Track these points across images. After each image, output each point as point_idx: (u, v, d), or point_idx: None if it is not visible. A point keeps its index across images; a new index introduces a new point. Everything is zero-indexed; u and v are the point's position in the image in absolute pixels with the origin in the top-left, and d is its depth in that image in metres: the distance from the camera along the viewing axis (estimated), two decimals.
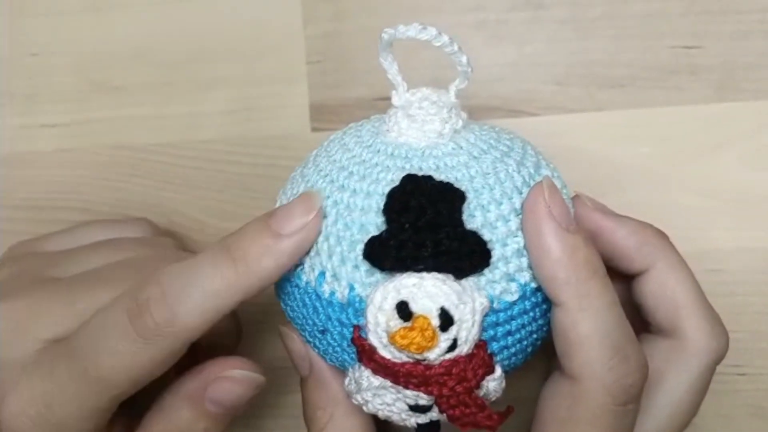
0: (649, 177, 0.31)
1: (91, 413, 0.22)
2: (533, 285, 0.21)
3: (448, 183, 0.21)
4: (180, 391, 0.24)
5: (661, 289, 0.23)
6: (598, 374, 0.20)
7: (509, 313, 0.21)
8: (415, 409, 0.21)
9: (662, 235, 0.24)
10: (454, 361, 0.20)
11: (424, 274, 0.20)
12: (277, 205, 0.24)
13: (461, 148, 0.22)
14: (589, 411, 0.21)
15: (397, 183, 0.21)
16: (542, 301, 0.22)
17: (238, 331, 0.29)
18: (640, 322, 0.24)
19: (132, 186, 0.33)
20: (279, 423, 0.33)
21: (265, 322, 0.32)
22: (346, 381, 0.22)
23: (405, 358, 0.20)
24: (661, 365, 0.23)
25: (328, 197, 0.22)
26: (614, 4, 0.31)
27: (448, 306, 0.20)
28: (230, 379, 0.24)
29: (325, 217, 0.21)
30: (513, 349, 0.22)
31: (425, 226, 0.20)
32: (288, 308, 0.23)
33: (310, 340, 0.23)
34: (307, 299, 0.22)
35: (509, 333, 0.21)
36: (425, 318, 0.20)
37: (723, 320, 0.31)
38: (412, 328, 0.20)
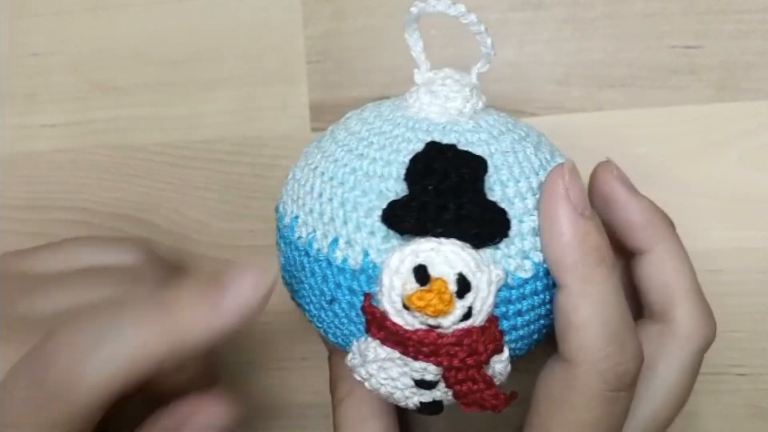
0: (648, 177, 0.31)
1: None
2: (546, 266, 0.21)
3: (471, 152, 0.21)
4: None
5: (657, 273, 0.23)
6: (593, 360, 0.21)
7: (521, 291, 0.21)
8: (421, 384, 0.21)
9: (669, 223, 0.24)
10: (467, 331, 0.20)
11: (443, 240, 0.20)
12: (288, 182, 0.24)
13: (481, 126, 0.22)
14: (581, 395, 0.21)
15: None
16: (552, 285, 0.22)
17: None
18: (636, 306, 0.25)
19: (132, 186, 0.33)
20: (278, 423, 0.33)
21: (267, 322, 0.32)
22: (349, 356, 0.22)
23: (417, 325, 0.20)
24: (652, 350, 0.23)
25: (346, 165, 0.22)
26: (614, 4, 0.31)
27: (465, 272, 0.20)
28: (208, 416, 0.22)
29: (341, 184, 0.21)
30: (521, 332, 0.22)
31: (448, 189, 0.20)
32: (294, 281, 0.23)
33: (316, 313, 0.23)
34: (317, 267, 0.22)
35: (519, 313, 0.21)
36: (443, 281, 0.20)
37: (723, 320, 0.31)
38: (429, 290, 0.20)
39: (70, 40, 0.33)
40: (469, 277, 0.20)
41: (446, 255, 0.20)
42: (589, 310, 0.20)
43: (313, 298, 0.22)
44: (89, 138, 0.33)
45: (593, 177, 0.24)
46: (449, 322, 0.20)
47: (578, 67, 0.31)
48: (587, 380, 0.21)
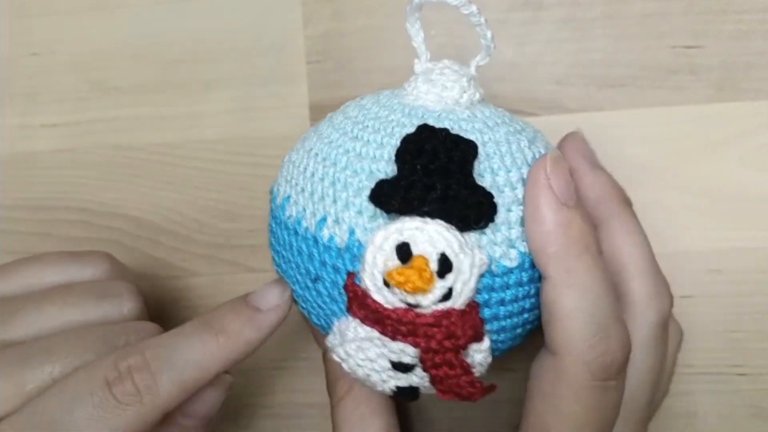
0: (648, 177, 0.31)
1: None
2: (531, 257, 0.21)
3: (462, 136, 0.21)
4: None
5: (609, 248, 0.23)
6: (579, 350, 0.21)
7: (505, 279, 0.21)
8: (398, 367, 0.21)
9: (624, 200, 0.24)
10: (446, 313, 0.20)
11: (428, 220, 0.20)
12: (284, 165, 0.24)
13: (476, 117, 0.22)
14: (570, 387, 0.21)
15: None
16: (538, 278, 0.22)
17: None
18: None
19: (132, 186, 0.33)
20: (277, 423, 0.33)
21: None
22: (330, 336, 0.22)
23: (397, 303, 0.20)
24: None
25: (339, 146, 0.22)
26: (614, 4, 0.31)
27: (448, 253, 0.20)
28: (206, 386, 0.23)
29: (333, 164, 0.22)
30: (504, 323, 0.22)
31: (437, 170, 0.20)
32: (282, 260, 0.23)
33: (301, 293, 0.23)
34: (304, 246, 0.22)
35: (502, 302, 0.21)
36: (424, 259, 0.20)
37: (723, 320, 0.31)
38: (410, 267, 0.20)
39: (70, 40, 0.33)
40: (452, 257, 0.20)
41: (430, 234, 0.20)
42: (573, 300, 0.20)
43: (299, 277, 0.23)
44: (89, 138, 0.33)
45: (559, 147, 0.24)
46: (428, 302, 0.20)
47: (578, 67, 0.31)
48: (574, 371, 0.21)
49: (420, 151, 0.20)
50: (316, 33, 0.32)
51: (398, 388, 0.22)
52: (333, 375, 0.26)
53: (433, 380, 0.21)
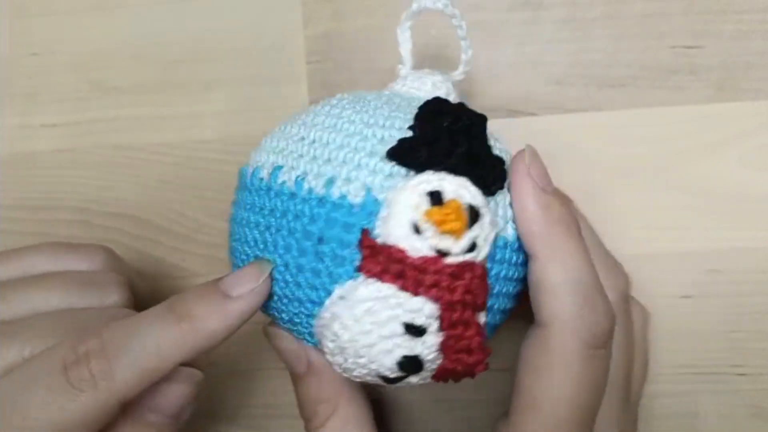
0: (648, 177, 0.31)
1: None
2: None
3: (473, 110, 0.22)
4: None
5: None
6: (568, 320, 0.22)
7: (503, 253, 0.22)
8: (410, 329, 0.20)
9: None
10: (469, 265, 0.21)
11: (450, 175, 0.21)
12: (265, 143, 0.24)
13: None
14: (560, 356, 0.22)
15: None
16: (521, 263, 0.23)
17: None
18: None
19: (132, 186, 0.33)
20: (275, 423, 0.33)
21: (259, 322, 0.32)
22: (327, 306, 0.21)
23: (424, 251, 0.20)
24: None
25: (343, 117, 0.22)
26: (614, 4, 0.31)
27: (475, 204, 0.21)
28: (165, 378, 0.22)
29: (339, 130, 0.22)
30: (496, 301, 0.22)
31: (460, 130, 0.21)
32: (265, 234, 0.22)
33: (291, 266, 0.22)
34: (306, 208, 0.21)
35: (497, 277, 0.22)
36: (458, 202, 0.20)
37: (723, 320, 0.31)
38: (448, 207, 0.20)
39: (70, 40, 0.33)
40: (479, 208, 0.21)
41: (457, 186, 0.21)
42: (559, 274, 0.22)
43: (293, 244, 0.22)
44: (89, 138, 0.33)
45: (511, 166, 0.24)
46: (458, 248, 0.20)
47: (578, 67, 0.31)
48: (563, 340, 0.22)
49: (441, 112, 0.21)
50: (316, 33, 0.32)
51: (403, 358, 0.21)
52: (312, 400, 0.24)
53: (444, 345, 0.21)
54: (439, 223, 0.20)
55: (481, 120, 0.22)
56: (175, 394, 0.23)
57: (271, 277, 0.22)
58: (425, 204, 0.20)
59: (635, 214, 0.31)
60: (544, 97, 0.31)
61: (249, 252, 0.23)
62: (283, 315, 0.23)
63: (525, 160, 0.22)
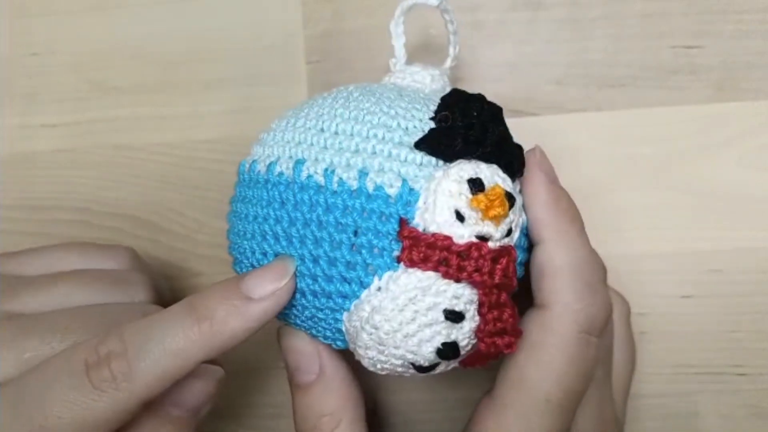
0: (649, 177, 0.31)
1: None
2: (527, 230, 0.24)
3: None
4: None
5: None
6: (567, 301, 0.23)
7: (522, 241, 0.23)
8: (451, 316, 0.21)
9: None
10: (507, 249, 0.21)
11: (483, 163, 0.21)
12: (272, 136, 0.24)
13: None
14: (556, 335, 0.22)
15: (434, 104, 0.23)
16: (527, 247, 0.24)
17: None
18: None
19: (132, 186, 0.33)
20: (279, 423, 0.33)
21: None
22: (363, 299, 0.21)
23: (467, 237, 0.21)
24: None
25: (362, 108, 0.22)
26: (614, 4, 0.31)
27: (510, 190, 0.21)
28: (188, 375, 0.22)
29: (362, 122, 0.22)
30: None
31: (488, 118, 0.22)
32: (290, 231, 0.22)
33: (323, 260, 0.21)
34: (338, 200, 0.21)
35: (518, 262, 0.23)
36: (500, 187, 0.21)
37: (723, 320, 0.31)
38: (493, 193, 0.21)
39: (70, 40, 0.33)
40: (514, 194, 0.21)
41: (492, 173, 0.21)
42: (563, 257, 0.23)
43: (324, 237, 0.21)
44: (89, 138, 0.33)
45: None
46: (499, 233, 0.21)
47: (578, 67, 0.31)
48: (561, 320, 0.22)
49: (468, 99, 0.22)
50: (316, 33, 0.32)
51: (443, 344, 0.21)
52: (316, 411, 0.24)
53: (481, 329, 0.21)
54: (485, 210, 0.20)
55: (499, 110, 0.23)
56: (197, 390, 0.23)
57: (296, 275, 0.22)
58: (466, 191, 0.21)
59: (635, 214, 0.31)
60: (544, 97, 0.31)
61: (268, 249, 0.22)
62: (306, 312, 0.23)
63: (536, 155, 0.24)
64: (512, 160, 0.22)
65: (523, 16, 0.31)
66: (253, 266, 0.23)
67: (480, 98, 0.22)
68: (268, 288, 0.21)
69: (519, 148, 0.23)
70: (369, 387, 0.32)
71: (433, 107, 0.22)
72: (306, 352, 0.24)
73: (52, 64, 0.33)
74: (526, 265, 0.24)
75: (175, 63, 0.33)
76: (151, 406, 0.22)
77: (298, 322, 0.23)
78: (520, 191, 0.23)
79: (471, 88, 0.30)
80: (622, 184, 0.31)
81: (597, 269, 0.24)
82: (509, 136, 0.23)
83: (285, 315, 0.23)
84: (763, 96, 0.30)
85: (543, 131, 0.31)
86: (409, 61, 0.25)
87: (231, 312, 0.21)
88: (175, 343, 0.21)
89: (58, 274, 0.25)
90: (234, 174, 0.25)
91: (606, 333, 0.25)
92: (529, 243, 0.24)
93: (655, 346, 0.30)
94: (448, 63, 0.26)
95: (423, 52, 0.31)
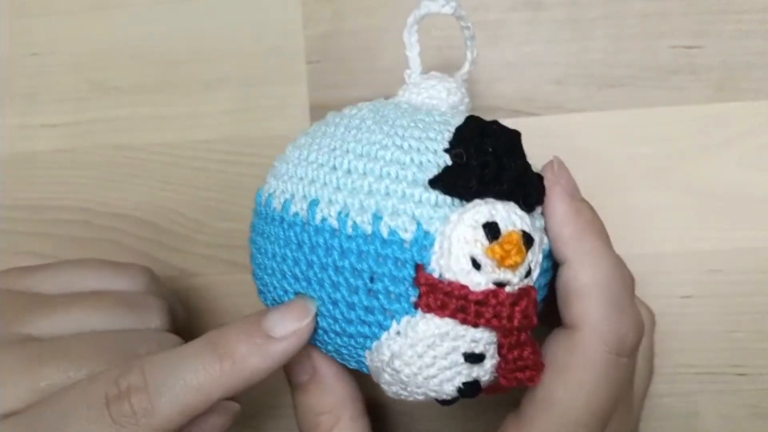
0: (648, 177, 0.31)
1: None
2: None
3: (504, 125, 0.22)
4: None
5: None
6: (594, 322, 0.22)
7: (544, 264, 0.22)
8: (470, 358, 0.20)
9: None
10: (526, 291, 0.21)
11: (499, 202, 0.20)
12: (282, 173, 0.23)
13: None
14: (584, 357, 0.22)
15: (449, 131, 0.22)
16: (554, 267, 0.23)
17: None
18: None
19: (132, 186, 0.33)
20: (279, 423, 0.33)
21: None
22: (383, 342, 0.21)
23: (484, 285, 0.20)
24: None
25: (375, 143, 0.21)
26: (614, 4, 0.31)
27: (527, 230, 0.20)
28: (207, 411, 0.22)
29: (375, 159, 0.21)
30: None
31: (504, 152, 0.21)
32: (308, 274, 0.21)
33: (342, 304, 0.21)
34: (353, 245, 0.21)
35: (540, 286, 0.22)
36: (517, 233, 0.20)
37: (723, 320, 0.31)
38: (508, 242, 0.20)
39: (70, 40, 0.33)
40: (532, 233, 0.21)
41: (509, 213, 0.20)
42: (588, 276, 0.22)
43: (341, 284, 0.21)
44: (89, 138, 0.33)
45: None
46: (518, 278, 0.20)
47: (578, 67, 0.31)
48: (589, 341, 0.22)
49: (484, 134, 0.21)
50: (316, 33, 0.32)
51: (464, 384, 0.21)
52: (315, 410, 0.24)
53: (502, 367, 0.21)
54: (501, 260, 0.20)
55: (517, 136, 0.22)
56: (212, 425, 0.23)
57: (317, 314, 0.22)
58: (482, 237, 0.20)
59: (635, 214, 0.31)
60: (544, 97, 0.31)
61: (289, 288, 0.22)
62: (329, 347, 0.23)
63: (554, 169, 0.23)
64: (530, 194, 0.21)
65: (523, 16, 0.31)
66: (275, 300, 0.23)
67: (495, 130, 0.21)
68: (289, 328, 0.21)
69: (538, 178, 0.22)
70: (370, 383, 0.32)
71: (449, 134, 0.21)
72: (296, 356, 0.24)
73: (52, 64, 0.33)
74: (553, 284, 0.23)
75: (175, 63, 0.33)
76: None
77: (324, 351, 0.23)
78: (542, 213, 0.22)
79: (471, 88, 0.30)
80: (622, 184, 0.31)
81: (626, 284, 0.23)
82: (527, 168, 0.22)
83: (312, 343, 0.23)
84: (763, 96, 0.30)
85: (543, 131, 0.31)
86: (424, 70, 0.24)
87: (252, 350, 0.21)
88: (196, 379, 0.21)
89: (73, 296, 0.25)
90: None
91: (637, 352, 0.24)
92: (554, 261, 0.23)
93: (656, 346, 0.30)
94: (466, 68, 0.25)
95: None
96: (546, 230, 0.22)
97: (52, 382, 0.22)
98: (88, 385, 0.21)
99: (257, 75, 0.32)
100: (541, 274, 0.22)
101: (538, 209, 0.22)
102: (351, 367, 0.23)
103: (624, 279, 0.23)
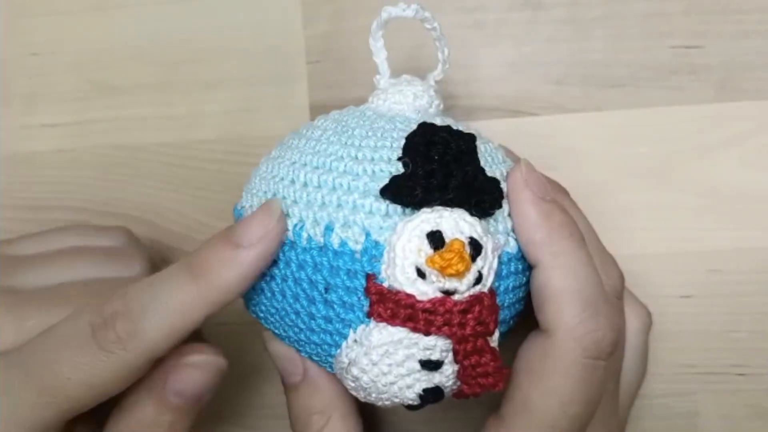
0: (648, 177, 0.31)
1: (43, 426, 0.21)
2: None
3: (461, 130, 0.22)
4: (140, 386, 0.23)
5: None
6: (569, 325, 0.21)
7: (509, 267, 0.22)
8: (427, 365, 0.21)
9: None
10: (478, 297, 0.21)
11: (447, 210, 0.20)
12: (253, 185, 0.24)
13: (450, 122, 0.23)
14: (559, 362, 0.22)
15: (403, 139, 0.21)
16: (525, 269, 0.23)
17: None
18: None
19: (132, 186, 0.33)
20: (277, 423, 0.33)
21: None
22: (343, 350, 0.21)
23: (431, 294, 0.20)
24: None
25: (331, 154, 0.22)
26: (614, 4, 0.31)
27: (476, 236, 0.20)
28: (190, 365, 0.23)
29: (329, 170, 0.22)
30: (504, 313, 0.22)
31: (452, 159, 0.21)
32: (272, 283, 0.22)
33: (302, 314, 0.22)
34: (308, 257, 0.21)
35: (507, 290, 0.22)
36: (460, 241, 0.20)
37: (723, 320, 0.31)
38: (450, 251, 0.20)
39: (70, 40, 0.33)
40: (481, 240, 0.20)
41: (456, 221, 0.20)
42: (561, 279, 0.22)
43: (300, 295, 0.22)
44: (89, 138, 0.33)
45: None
46: (465, 286, 0.20)
47: (577, 67, 0.31)
48: (565, 346, 0.21)
49: (431, 143, 0.21)
50: (316, 33, 0.32)
51: (424, 391, 0.21)
52: (306, 410, 0.24)
53: (461, 373, 0.21)
54: (444, 269, 0.20)
55: (470, 141, 0.22)
56: (198, 380, 0.23)
57: (283, 216, 0.22)
58: (426, 247, 0.20)
59: (635, 214, 0.31)
60: (544, 97, 0.31)
61: (266, 302, 0.23)
62: (303, 354, 0.24)
63: (521, 171, 0.22)
64: (482, 199, 0.21)
65: (523, 16, 0.31)
66: (254, 311, 0.24)
67: (444, 138, 0.21)
68: (257, 234, 0.21)
69: (494, 182, 0.22)
70: None
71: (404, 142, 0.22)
72: (288, 356, 0.24)
73: (52, 64, 0.33)
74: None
75: (175, 63, 0.33)
76: (154, 394, 0.22)
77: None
78: (509, 214, 0.22)
79: (471, 89, 0.30)
80: (622, 184, 0.31)
81: (601, 286, 0.22)
82: (479, 173, 0.21)
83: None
84: (763, 96, 0.30)
85: (543, 131, 0.31)
86: (397, 73, 0.24)
87: (225, 263, 0.21)
88: (176, 300, 0.21)
89: (55, 251, 0.26)
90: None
91: (616, 353, 0.24)
92: (528, 264, 0.23)
93: (655, 346, 0.30)
94: (439, 69, 0.25)
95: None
96: (516, 234, 0.22)
97: (39, 321, 0.22)
98: (75, 318, 0.21)
99: (257, 75, 0.32)
100: (508, 277, 0.22)
101: (501, 212, 0.22)
102: (330, 372, 0.23)
103: (596, 279, 0.22)
